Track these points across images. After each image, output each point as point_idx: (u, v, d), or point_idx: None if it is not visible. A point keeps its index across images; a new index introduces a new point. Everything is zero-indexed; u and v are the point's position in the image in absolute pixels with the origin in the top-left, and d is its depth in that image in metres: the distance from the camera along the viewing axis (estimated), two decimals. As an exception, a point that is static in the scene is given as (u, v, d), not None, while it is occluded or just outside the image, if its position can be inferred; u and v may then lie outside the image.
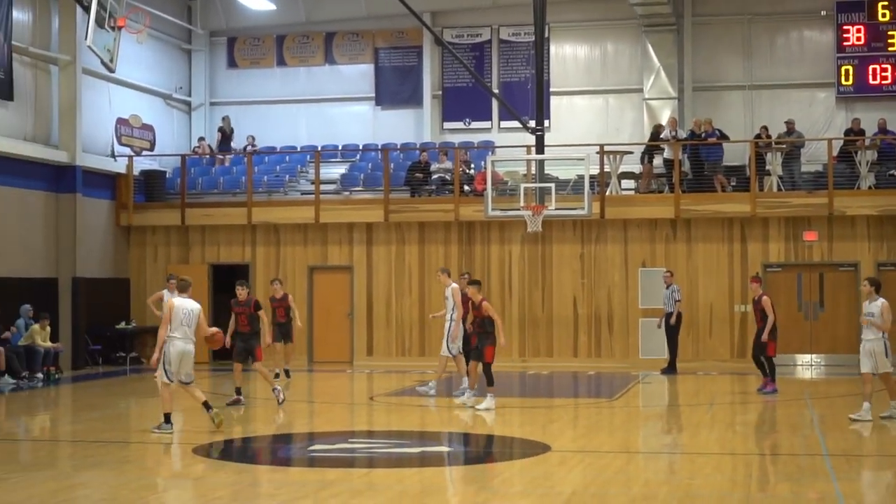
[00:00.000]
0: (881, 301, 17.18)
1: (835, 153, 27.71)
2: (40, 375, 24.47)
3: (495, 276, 28.31)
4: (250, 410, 19.68)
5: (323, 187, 29.77)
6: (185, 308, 16.55)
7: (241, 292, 20.06)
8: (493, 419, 18.06)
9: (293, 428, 17.75)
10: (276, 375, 24.31)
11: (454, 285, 20.73)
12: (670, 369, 25.45)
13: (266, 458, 15.29)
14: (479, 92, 32.01)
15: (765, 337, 21.17)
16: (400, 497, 11.82)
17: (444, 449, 15.49)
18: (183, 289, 17.16)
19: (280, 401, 19.31)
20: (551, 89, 31.63)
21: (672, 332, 25.58)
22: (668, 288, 25.56)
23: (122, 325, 28.98)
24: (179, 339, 16.40)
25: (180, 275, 20.39)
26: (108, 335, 28.73)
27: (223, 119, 33.16)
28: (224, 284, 29.89)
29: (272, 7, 32.83)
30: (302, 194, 30.72)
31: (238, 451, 15.43)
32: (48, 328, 25.27)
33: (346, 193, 30.63)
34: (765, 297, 21.45)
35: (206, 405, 16.44)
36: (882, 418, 17.04)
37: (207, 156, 32.70)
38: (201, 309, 17.01)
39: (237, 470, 13.85)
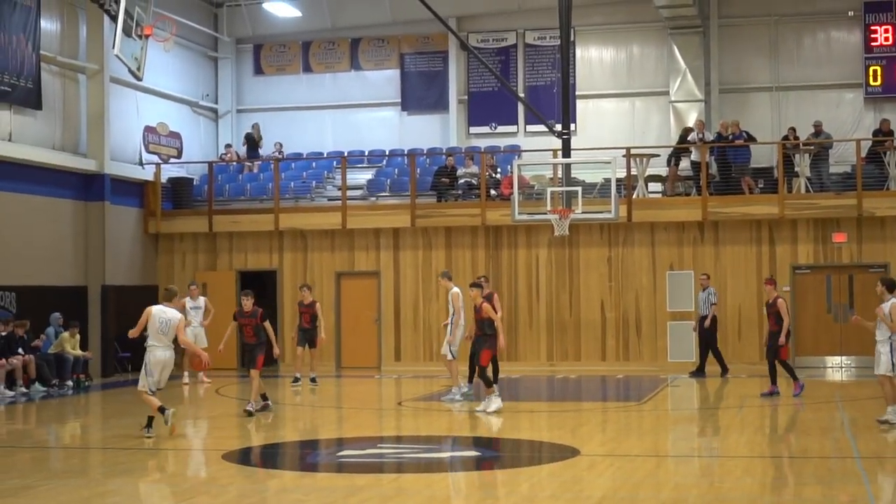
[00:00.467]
0: (892, 301, 16.87)
1: (863, 154, 27.57)
2: (70, 383, 24.60)
3: (522, 280, 28.29)
4: (279, 416, 19.70)
5: (350, 193, 29.81)
6: (163, 317, 16.65)
7: (247, 303, 19.97)
8: (500, 420, 18.04)
9: (322, 433, 17.77)
10: (297, 380, 24.42)
11: (455, 290, 20.83)
12: (725, 371, 25.29)
13: (295, 463, 15.30)
14: (504, 96, 32.01)
15: (782, 340, 20.99)
16: (429, 502, 11.81)
17: (473, 453, 15.48)
18: (167, 297, 17.26)
19: (250, 412, 19.14)
20: (577, 93, 31.61)
21: (709, 336, 25.43)
22: (704, 291, 25.44)
23: (151, 332, 29.02)
24: (159, 347, 16.55)
25: (170, 285, 20.66)
26: (137, 342, 28.72)
27: (253, 126, 33.24)
28: (252, 290, 29.99)
29: (297, 14, 32.95)
30: (329, 200, 30.77)
31: (267, 457, 15.45)
32: (77, 336, 25.40)
33: (373, 199, 30.67)
34: (780, 300, 21.31)
35: (161, 409, 16.59)
36: (879, 422, 16.76)
37: (235, 162, 32.79)
38: (182, 319, 17.13)
39: (267, 476, 13.88)
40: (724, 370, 25.34)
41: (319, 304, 24.85)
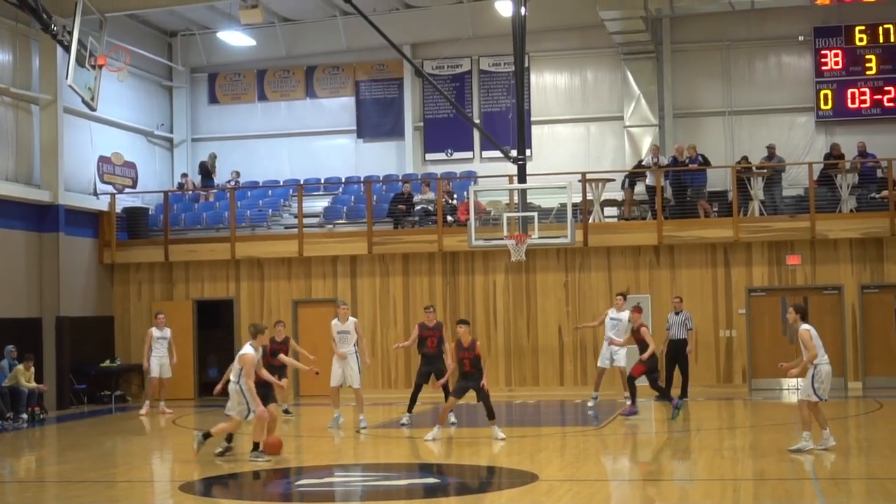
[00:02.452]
0: (803, 327, 17.02)
1: (816, 177, 27.82)
2: (25, 416, 24.35)
3: (480, 305, 28.32)
4: (237, 446, 19.57)
5: (306, 221, 29.77)
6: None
7: (281, 332, 21.25)
8: (464, 448, 18.03)
9: (280, 463, 17.65)
10: (287, 411, 24.34)
11: (354, 319, 21.71)
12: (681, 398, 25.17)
13: (253, 493, 15.21)
14: (460, 122, 32.10)
15: (645, 356, 21.63)
16: (388, 530, 11.77)
17: (432, 481, 15.44)
18: (253, 334, 17.45)
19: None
20: (532, 118, 31.80)
21: (684, 360, 24.92)
22: (677, 314, 25.18)
23: (107, 363, 28.87)
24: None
25: (255, 321, 20.88)
26: (93, 374, 28.61)
27: (209, 155, 33.16)
28: (208, 321, 29.93)
29: (252, 42, 32.94)
30: (285, 228, 30.73)
31: (225, 488, 15.35)
32: (32, 368, 25.16)
33: (330, 226, 30.65)
34: (643, 327, 21.80)
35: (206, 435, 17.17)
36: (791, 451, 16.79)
37: (191, 191, 32.68)
38: (251, 356, 17.14)
39: (224, 507, 13.79)
40: (684, 394, 25.32)
41: (293, 342, 24.59)
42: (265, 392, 17.54)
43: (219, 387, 18.22)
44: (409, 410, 21.47)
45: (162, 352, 25.62)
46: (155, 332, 25.64)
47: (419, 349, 21.54)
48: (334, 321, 21.64)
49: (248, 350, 17.09)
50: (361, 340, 21.93)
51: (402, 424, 21.14)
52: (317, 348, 28.82)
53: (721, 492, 13.79)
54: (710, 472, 15.30)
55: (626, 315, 23.54)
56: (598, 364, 24.40)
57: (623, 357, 23.90)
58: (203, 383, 30.00)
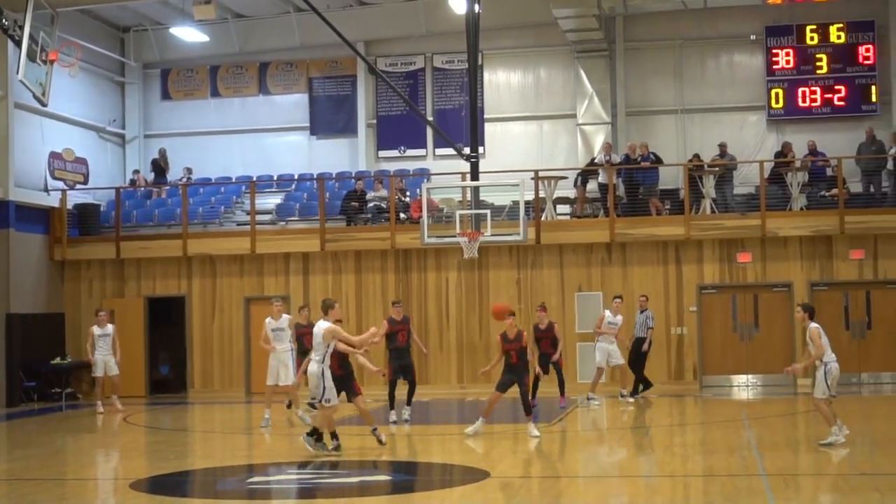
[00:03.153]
0: (812, 325, 16.99)
1: (766, 175, 28.03)
2: (-26, 413, 24.16)
3: (432, 303, 28.33)
4: (189, 443, 19.51)
5: (259, 217, 29.67)
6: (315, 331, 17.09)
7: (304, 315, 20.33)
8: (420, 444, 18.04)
9: (232, 460, 17.61)
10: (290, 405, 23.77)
11: (288, 317, 22.04)
12: (636, 392, 25.32)
13: (204, 491, 15.16)
14: (413, 120, 32.10)
15: (557, 357, 22.17)
16: (339, 527, 11.76)
17: (385, 478, 15.44)
18: (324, 310, 17.28)
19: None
20: (485, 116, 31.83)
21: (642, 358, 25.21)
22: (641, 313, 25.35)
23: (58, 360, 28.63)
24: (311, 361, 17.05)
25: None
26: (44, 371, 28.39)
27: (159, 152, 32.96)
28: (160, 318, 29.78)
29: (205, 38, 32.77)
30: (238, 225, 30.61)
31: (176, 485, 15.27)
32: (-19, 365, 24.96)
33: (282, 223, 30.55)
34: (555, 325, 22.63)
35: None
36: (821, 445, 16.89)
37: (143, 188, 32.49)
38: (330, 328, 16.97)
39: (175, 504, 13.74)
40: (635, 392, 25.46)
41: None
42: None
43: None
44: (392, 407, 21.28)
45: (105, 349, 25.38)
46: (96, 329, 25.39)
47: (388, 344, 21.48)
48: (268, 319, 21.58)
49: (324, 324, 16.94)
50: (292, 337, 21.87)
51: (405, 421, 20.95)
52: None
53: (671, 488, 13.88)
54: (660, 468, 15.39)
55: (621, 319, 24.24)
56: (597, 364, 24.51)
57: (618, 355, 24.20)
58: (154, 380, 29.90)
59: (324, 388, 16.62)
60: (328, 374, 16.71)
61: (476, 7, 24.38)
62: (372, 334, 17.78)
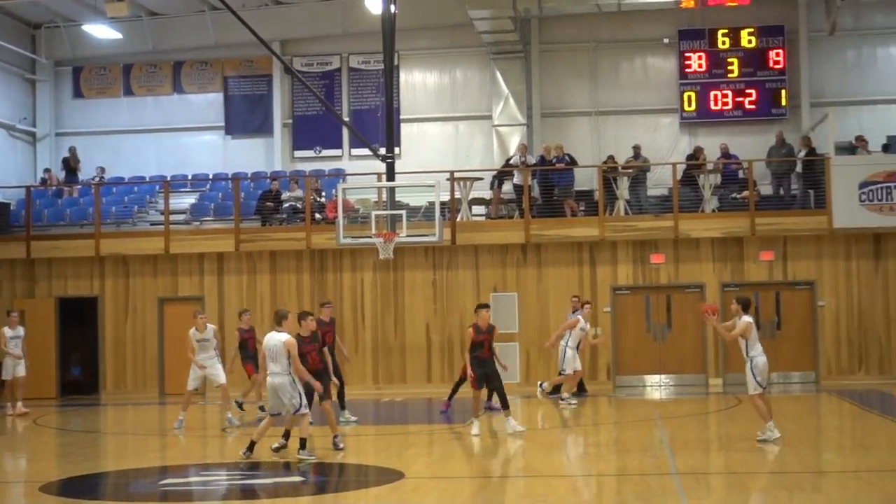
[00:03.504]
0: (744, 318, 17.22)
1: (679, 177, 28.33)
2: None
3: (348, 303, 28.27)
4: (100, 445, 19.29)
5: (173, 217, 29.44)
6: (269, 343, 16.60)
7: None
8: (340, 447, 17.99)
9: (144, 462, 17.43)
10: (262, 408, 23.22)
11: (213, 327, 21.83)
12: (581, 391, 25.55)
13: (116, 493, 14.99)
14: (329, 120, 32.02)
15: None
16: (253, 529, 11.70)
17: (298, 479, 15.38)
18: (277, 321, 16.78)
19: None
20: (402, 116, 31.87)
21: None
22: (573, 313, 25.34)
23: (-34, 361, 28.12)
24: (271, 374, 16.44)
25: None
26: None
27: (69, 150, 32.55)
28: (72, 319, 29.39)
29: (118, 36, 32.41)
30: (151, 225, 30.34)
31: (87, 488, 15.07)
32: None
33: (197, 223, 30.33)
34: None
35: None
36: (758, 441, 17.11)
37: (54, 187, 32.06)
38: (288, 341, 16.48)
39: (86, 507, 13.58)
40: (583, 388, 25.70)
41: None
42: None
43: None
44: (343, 408, 21.11)
45: (16, 352, 24.82)
46: (7, 331, 24.82)
47: None
48: (192, 330, 21.40)
49: (283, 336, 16.48)
50: (221, 346, 21.68)
51: (352, 422, 20.91)
52: (182, 346, 28.53)
53: (585, 487, 13.98)
54: (574, 468, 15.48)
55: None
56: (576, 368, 24.17)
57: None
58: (66, 382, 29.51)
59: (300, 396, 16.27)
60: (298, 382, 16.34)
61: (392, 7, 24.41)
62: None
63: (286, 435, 18.10)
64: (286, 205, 29.34)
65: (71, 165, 32.29)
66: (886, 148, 28.67)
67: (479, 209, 29.55)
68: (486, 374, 19.10)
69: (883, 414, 21.38)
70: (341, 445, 17.53)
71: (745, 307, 17.32)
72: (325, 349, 18.61)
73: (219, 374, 21.35)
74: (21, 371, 24.83)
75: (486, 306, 19.70)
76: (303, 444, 16.38)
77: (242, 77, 33.42)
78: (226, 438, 20.27)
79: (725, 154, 29.34)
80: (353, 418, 21.14)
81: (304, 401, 16.42)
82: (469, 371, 19.29)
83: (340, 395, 21.17)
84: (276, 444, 17.28)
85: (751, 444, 16.91)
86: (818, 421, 21.16)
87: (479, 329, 19.12)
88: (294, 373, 16.27)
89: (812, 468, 15.15)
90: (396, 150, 26.90)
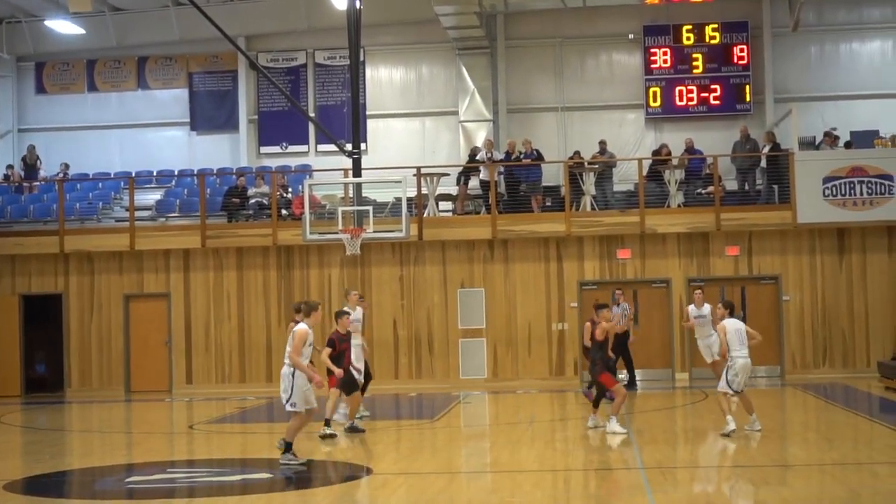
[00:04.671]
0: (727, 321, 17.52)
1: (645, 173, 28.42)
2: None
3: (315, 299, 28.14)
4: (65, 443, 19.18)
5: (138, 214, 29.29)
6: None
7: (344, 324, 18.45)
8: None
9: (110, 460, 17.35)
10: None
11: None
12: (632, 385, 25.49)
13: (82, 491, 14.91)
14: (295, 116, 31.95)
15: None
16: (221, 526, 11.66)
17: (266, 475, 15.34)
18: (306, 312, 15.92)
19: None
20: (368, 112, 31.85)
21: (624, 349, 25.28)
22: (618, 306, 25.43)
23: (-71, 359, 27.95)
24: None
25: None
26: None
27: (28, 149, 32.31)
28: (36, 316, 29.21)
29: (81, 31, 32.20)
30: (116, 221, 30.18)
31: (52, 486, 14.98)
32: None
33: (162, 220, 30.20)
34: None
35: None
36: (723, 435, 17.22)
37: (16, 183, 31.83)
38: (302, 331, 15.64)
39: (51, 505, 13.50)
40: (633, 383, 25.67)
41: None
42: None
43: None
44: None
45: None
46: None
47: None
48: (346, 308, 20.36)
49: (299, 326, 15.70)
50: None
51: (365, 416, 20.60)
52: (148, 343, 28.51)
53: (552, 482, 14.01)
54: (541, 462, 15.51)
55: (708, 309, 22.93)
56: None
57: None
58: (30, 379, 29.33)
59: (291, 392, 15.48)
60: (298, 377, 15.44)
61: (357, 3, 24.40)
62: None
63: (327, 422, 18.06)
64: (252, 201, 29.24)
65: (28, 163, 32.07)
66: (849, 144, 28.84)
67: (445, 205, 29.55)
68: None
69: (847, 407, 21.56)
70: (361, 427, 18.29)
71: (731, 311, 17.76)
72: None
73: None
74: None
75: (604, 306, 18.80)
76: (286, 446, 15.54)
77: (208, 73, 33.30)
78: (192, 436, 20.20)
79: (690, 149, 29.47)
80: (366, 413, 20.96)
81: (296, 398, 15.44)
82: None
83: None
84: (322, 432, 17.54)
85: (716, 437, 17.00)
86: (783, 415, 21.27)
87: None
88: (291, 363, 15.50)
89: (777, 461, 15.24)
90: (363, 145, 26.85)
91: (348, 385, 18.47)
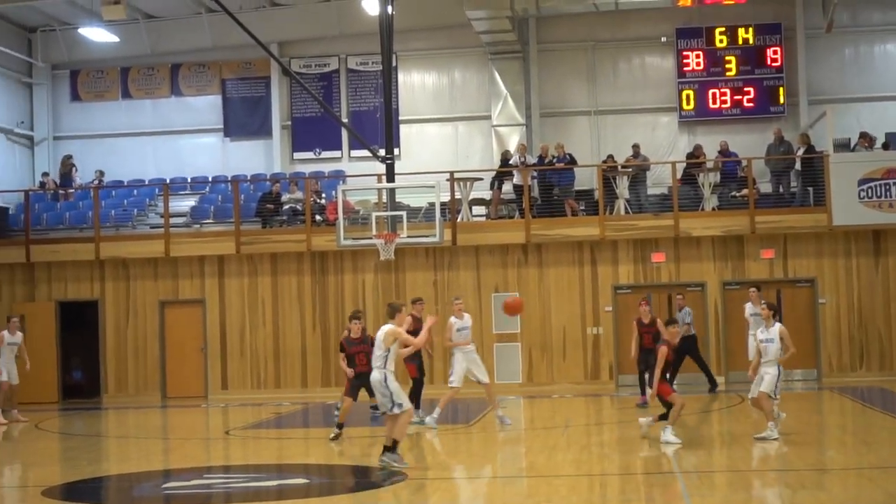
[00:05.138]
0: (778, 325, 17.47)
1: (679, 176, 28.33)
2: None
3: (349, 305, 28.20)
4: (103, 449, 19.28)
5: (173, 220, 29.42)
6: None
7: (357, 328, 18.56)
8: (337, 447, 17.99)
9: (147, 466, 17.43)
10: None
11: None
12: (713, 387, 25.53)
13: (119, 497, 14.98)
14: (328, 122, 32.01)
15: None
16: (258, 532, 11.68)
17: (302, 481, 15.37)
18: (390, 314, 15.64)
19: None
20: (400, 117, 31.88)
21: (694, 353, 25.43)
22: (680, 311, 25.52)
23: (-34, 366, 28.02)
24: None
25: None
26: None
27: (63, 158, 32.42)
28: (72, 322, 29.38)
29: (115, 39, 32.36)
30: (151, 228, 30.33)
31: (90, 492, 15.06)
32: None
33: (197, 226, 30.32)
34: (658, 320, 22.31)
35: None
36: (756, 439, 17.18)
37: (52, 191, 32.03)
38: (391, 329, 15.41)
39: (90, 511, 13.56)
40: (714, 383, 25.69)
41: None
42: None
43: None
44: (417, 407, 20.63)
45: (11, 357, 24.26)
46: (7, 336, 24.37)
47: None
48: (452, 318, 20.68)
49: (386, 327, 15.42)
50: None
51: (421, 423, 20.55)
52: (184, 349, 28.62)
53: (588, 487, 13.97)
54: (577, 467, 15.47)
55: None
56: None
57: None
58: (67, 386, 29.50)
59: (391, 395, 15.25)
60: (391, 379, 15.28)
61: (389, 8, 24.40)
62: (433, 323, 16.36)
63: (339, 426, 18.17)
64: (286, 207, 29.33)
65: (62, 172, 32.25)
66: (886, 145, 28.65)
67: (479, 209, 29.54)
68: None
69: (884, 411, 21.39)
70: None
71: (776, 313, 17.76)
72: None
73: (479, 369, 20.59)
74: (16, 378, 24.24)
75: (676, 322, 18.61)
76: (394, 445, 15.22)
77: (241, 79, 33.40)
78: (229, 442, 20.26)
79: (724, 152, 29.35)
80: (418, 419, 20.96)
81: (400, 399, 15.23)
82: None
83: (416, 394, 21.02)
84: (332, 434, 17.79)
85: (753, 441, 16.91)
86: (820, 418, 21.15)
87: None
88: (412, 346, 15.41)
89: (815, 465, 15.14)
90: (396, 151, 26.92)
91: (354, 390, 18.48)
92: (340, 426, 18.60)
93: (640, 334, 22.31)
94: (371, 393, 17.96)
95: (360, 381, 18.34)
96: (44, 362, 28.33)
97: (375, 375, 15.33)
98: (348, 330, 19.22)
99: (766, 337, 17.42)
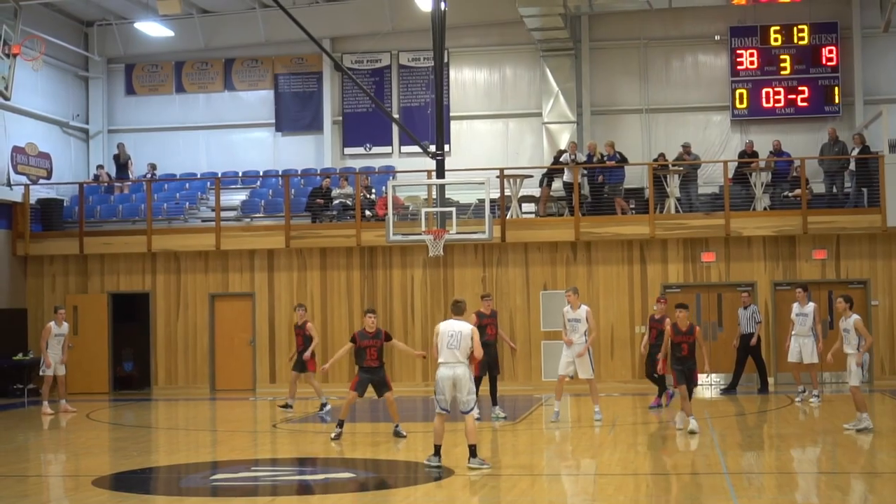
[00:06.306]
0: (855, 317, 18.08)
1: (730, 175, 28.17)
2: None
3: (398, 300, 28.31)
4: (152, 440, 19.43)
5: (224, 214, 29.58)
6: (451, 331, 15.32)
7: (371, 322, 18.40)
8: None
9: (195, 457, 17.56)
10: (287, 406, 22.94)
11: (587, 308, 20.86)
12: (764, 388, 25.70)
13: (168, 488, 15.10)
14: (379, 117, 32.08)
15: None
16: (304, 525, 11.73)
17: (348, 475, 15.43)
18: (458, 311, 15.69)
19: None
20: (451, 114, 31.88)
21: (755, 353, 25.66)
22: (746, 308, 25.52)
23: (20, 356, 28.43)
24: (444, 364, 15.29)
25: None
26: (5, 367, 28.20)
27: (118, 146, 32.80)
28: (124, 314, 29.64)
29: (170, 34, 32.60)
30: (202, 221, 30.50)
31: (139, 482, 15.19)
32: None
33: (247, 220, 30.49)
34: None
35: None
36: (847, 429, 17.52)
37: (106, 183, 32.30)
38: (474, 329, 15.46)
39: (139, 501, 13.67)
40: (764, 386, 25.83)
41: (311, 324, 23.08)
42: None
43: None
44: (495, 403, 21.09)
45: (58, 348, 24.39)
46: (54, 327, 24.49)
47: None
48: (566, 308, 20.76)
49: (466, 325, 15.34)
50: (592, 332, 20.87)
51: (503, 418, 20.84)
52: (233, 342, 28.79)
53: (634, 486, 13.93)
54: (624, 466, 15.43)
55: (811, 308, 23.47)
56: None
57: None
58: (118, 377, 29.78)
59: (476, 392, 15.05)
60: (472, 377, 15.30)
61: (442, 5, 24.41)
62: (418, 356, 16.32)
63: (340, 424, 18.26)
64: (336, 202, 29.42)
65: (120, 162, 32.54)
66: (941, 146, 28.35)
67: (528, 207, 29.51)
68: (682, 371, 18.84)
69: (937, 414, 21.19)
70: (404, 433, 18.08)
71: (852, 305, 18.37)
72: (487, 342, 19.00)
73: (586, 366, 20.75)
74: (62, 369, 24.35)
75: (685, 307, 18.97)
76: (473, 450, 15.07)
77: (293, 74, 33.54)
78: (276, 435, 20.36)
79: (777, 151, 29.15)
80: (503, 414, 21.06)
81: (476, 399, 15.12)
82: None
83: (493, 390, 21.12)
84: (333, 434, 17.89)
85: (802, 443, 16.80)
86: (871, 421, 20.94)
87: (678, 330, 18.89)
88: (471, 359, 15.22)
89: (865, 469, 15.02)
90: (446, 147, 26.90)
91: (362, 385, 18.43)
92: (341, 423, 18.55)
93: (659, 332, 22.02)
94: (378, 390, 18.07)
95: (370, 375, 18.36)
96: (96, 354, 28.62)
97: (464, 372, 15.17)
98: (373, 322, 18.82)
99: (845, 327, 18.22)
